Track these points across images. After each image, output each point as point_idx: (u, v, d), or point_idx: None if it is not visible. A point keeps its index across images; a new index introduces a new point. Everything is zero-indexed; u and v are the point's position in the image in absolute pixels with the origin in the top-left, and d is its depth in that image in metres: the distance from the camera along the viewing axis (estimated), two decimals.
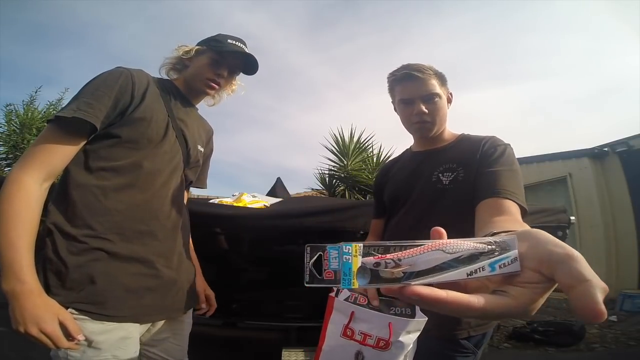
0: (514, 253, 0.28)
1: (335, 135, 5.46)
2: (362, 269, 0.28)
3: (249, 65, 0.98)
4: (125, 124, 0.78)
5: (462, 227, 0.75)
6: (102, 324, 0.71)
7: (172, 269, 0.85)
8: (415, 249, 0.28)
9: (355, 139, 5.42)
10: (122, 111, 0.78)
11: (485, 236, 0.31)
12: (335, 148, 5.42)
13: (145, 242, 0.79)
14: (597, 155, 5.45)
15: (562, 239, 1.97)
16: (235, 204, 1.86)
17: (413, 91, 0.93)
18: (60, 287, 0.70)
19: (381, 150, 5.16)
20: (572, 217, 1.98)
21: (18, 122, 6.40)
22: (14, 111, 6.51)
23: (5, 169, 6.24)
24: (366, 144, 5.43)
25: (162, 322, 0.87)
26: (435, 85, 0.93)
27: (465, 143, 0.96)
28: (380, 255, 0.28)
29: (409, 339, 0.76)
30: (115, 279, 0.74)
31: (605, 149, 5.40)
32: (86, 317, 0.70)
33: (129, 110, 0.78)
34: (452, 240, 0.29)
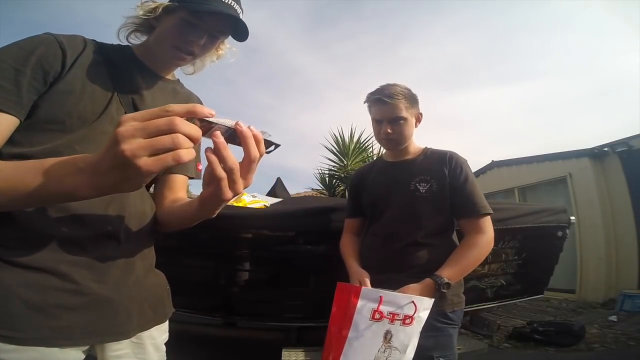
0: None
1: (335, 135, 5.47)
2: None
3: (236, 27, 0.74)
4: (45, 100, 0.61)
5: (437, 226, 1.15)
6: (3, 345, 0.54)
7: (107, 284, 0.65)
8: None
9: (355, 139, 5.43)
10: (51, 84, 0.62)
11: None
12: (335, 148, 5.43)
13: (57, 248, 0.60)
14: (597, 155, 5.44)
15: (563, 239, 1.98)
16: (235, 204, 1.86)
17: (382, 114, 1.17)
18: None
19: (381, 150, 5.16)
20: (572, 217, 1.98)
21: None
22: None
23: None
24: (366, 144, 5.45)
25: (120, 343, 0.67)
26: (402, 109, 1.14)
27: (432, 157, 1.21)
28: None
29: (425, 314, 0.92)
30: (11, 292, 0.56)
31: (605, 149, 5.39)
32: None
33: (54, 82, 0.62)
34: None
